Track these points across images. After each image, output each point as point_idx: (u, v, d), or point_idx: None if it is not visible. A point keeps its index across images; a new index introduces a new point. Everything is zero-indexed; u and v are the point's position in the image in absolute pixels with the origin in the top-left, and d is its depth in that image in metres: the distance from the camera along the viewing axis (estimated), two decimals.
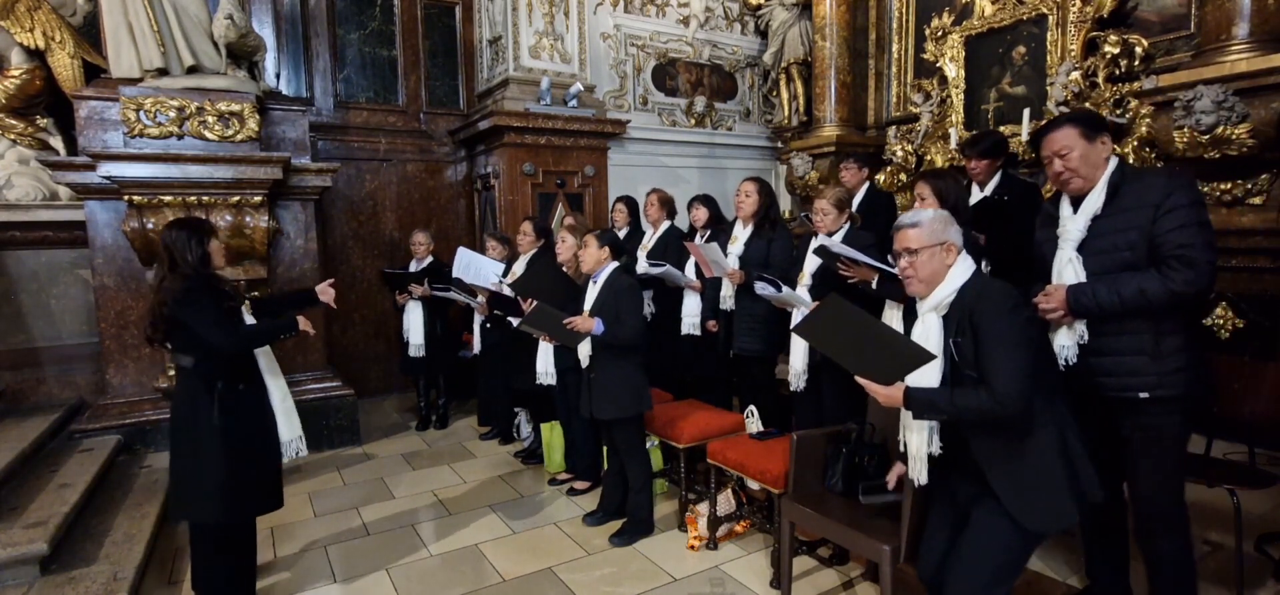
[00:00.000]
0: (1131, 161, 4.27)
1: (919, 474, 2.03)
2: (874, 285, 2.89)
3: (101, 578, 2.73)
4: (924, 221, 1.99)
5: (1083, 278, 2.14)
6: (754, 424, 3.27)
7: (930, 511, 2.16)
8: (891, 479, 2.34)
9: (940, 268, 1.96)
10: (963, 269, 1.95)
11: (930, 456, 2.02)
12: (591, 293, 3.29)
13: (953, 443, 2.00)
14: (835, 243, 3.14)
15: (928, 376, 1.91)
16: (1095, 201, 2.14)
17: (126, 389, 4.34)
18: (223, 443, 2.49)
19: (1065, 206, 2.25)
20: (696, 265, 4.04)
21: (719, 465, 3.12)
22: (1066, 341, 2.18)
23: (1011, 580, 1.95)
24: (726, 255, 3.77)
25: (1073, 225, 2.19)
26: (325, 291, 3.06)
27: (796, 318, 3.34)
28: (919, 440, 2.00)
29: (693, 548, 3.23)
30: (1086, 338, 2.16)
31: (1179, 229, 2.00)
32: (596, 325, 3.14)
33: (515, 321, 3.38)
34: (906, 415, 2.01)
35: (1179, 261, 1.99)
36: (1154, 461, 2.15)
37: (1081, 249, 2.16)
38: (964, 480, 2.02)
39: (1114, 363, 2.12)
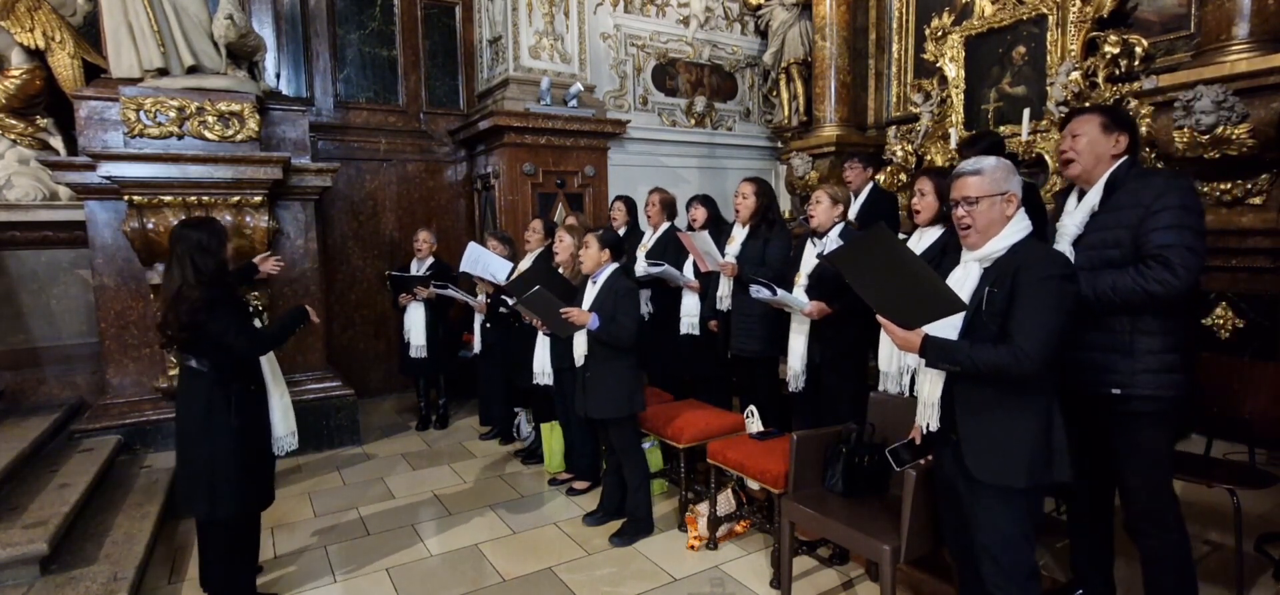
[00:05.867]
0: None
1: (930, 420, 1.98)
2: None
3: (101, 578, 2.72)
4: (986, 169, 1.90)
5: None
6: (754, 424, 3.27)
7: (938, 502, 2.14)
8: (916, 434, 2.23)
9: (999, 218, 1.88)
10: (1019, 226, 1.89)
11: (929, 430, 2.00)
12: (590, 292, 3.29)
13: (947, 422, 1.96)
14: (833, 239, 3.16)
15: (947, 323, 1.87)
16: (1093, 197, 2.15)
17: (126, 389, 4.33)
18: (239, 443, 2.55)
19: (1071, 200, 2.26)
20: (695, 264, 4.04)
21: (719, 465, 3.12)
22: None
23: (1030, 541, 1.92)
24: (723, 256, 3.76)
25: (1069, 219, 2.21)
26: (267, 263, 3.08)
27: (795, 320, 3.34)
28: (932, 386, 1.96)
29: (693, 548, 3.23)
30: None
31: (1163, 230, 2.00)
32: (592, 320, 3.15)
33: (512, 299, 3.42)
34: (920, 360, 1.97)
35: (1157, 262, 1.99)
36: (1136, 460, 2.16)
37: (1077, 244, 2.17)
38: (944, 448, 2.00)
39: (1089, 358, 2.14)
